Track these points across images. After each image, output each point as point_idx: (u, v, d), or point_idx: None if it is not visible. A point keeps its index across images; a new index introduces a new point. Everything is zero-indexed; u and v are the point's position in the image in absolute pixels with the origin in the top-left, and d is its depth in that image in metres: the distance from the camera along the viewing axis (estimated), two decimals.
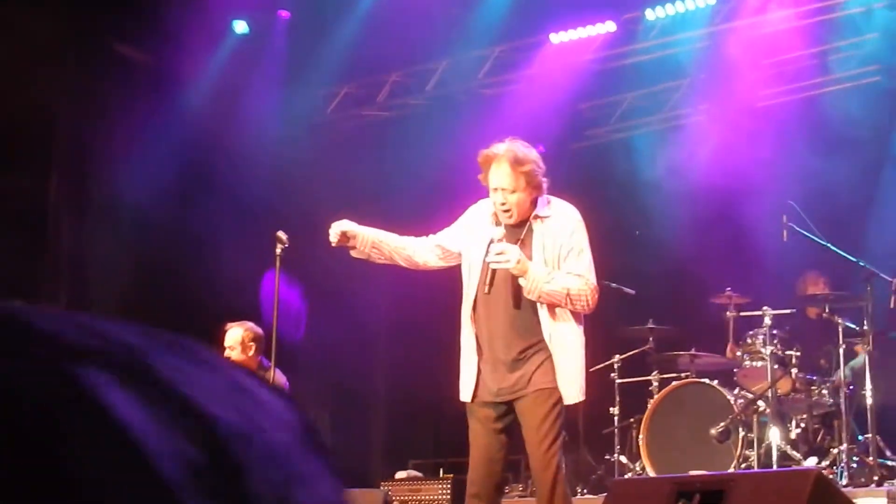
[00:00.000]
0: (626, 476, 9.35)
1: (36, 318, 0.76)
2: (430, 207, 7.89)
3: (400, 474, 10.37)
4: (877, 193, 10.97)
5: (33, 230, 10.92)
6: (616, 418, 9.83)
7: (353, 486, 9.28)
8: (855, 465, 8.35)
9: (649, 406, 9.28)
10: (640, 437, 9.19)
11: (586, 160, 12.46)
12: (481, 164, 5.76)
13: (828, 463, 8.49)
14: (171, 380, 0.76)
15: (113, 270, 11.03)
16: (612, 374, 9.88)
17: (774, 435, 8.68)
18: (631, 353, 10.03)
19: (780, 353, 9.01)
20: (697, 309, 10.06)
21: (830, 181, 10.44)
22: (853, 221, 10.53)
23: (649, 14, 11.46)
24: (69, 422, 0.70)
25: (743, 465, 8.66)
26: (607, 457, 9.88)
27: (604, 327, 8.61)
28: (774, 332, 9.03)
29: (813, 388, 9.06)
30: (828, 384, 9.01)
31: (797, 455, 8.72)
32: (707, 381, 9.15)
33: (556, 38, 11.81)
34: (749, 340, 9.22)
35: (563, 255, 5.67)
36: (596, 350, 8.29)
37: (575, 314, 5.70)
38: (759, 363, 9.07)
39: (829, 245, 8.74)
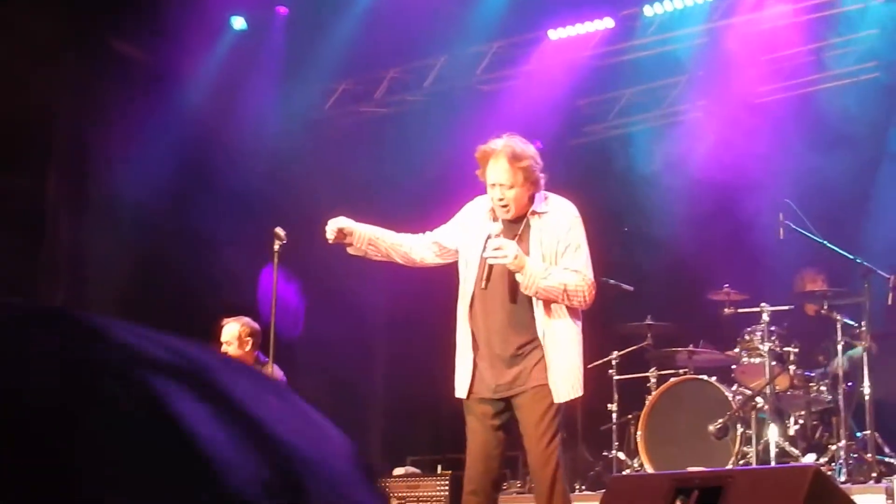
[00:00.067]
0: (624, 472, 9.35)
1: (112, 327, 0.77)
2: (428, 203, 7.90)
3: (398, 471, 10.37)
4: (874, 190, 10.97)
5: (32, 229, 10.92)
6: (614, 415, 9.83)
7: None
8: (853, 462, 8.34)
9: (647, 402, 9.28)
10: (639, 433, 9.19)
11: (584, 156, 12.46)
12: (479, 159, 5.76)
13: (826, 459, 8.48)
14: (242, 400, 0.77)
15: (111, 268, 11.03)
16: (611, 371, 9.88)
17: (772, 431, 8.69)
18: (629, 349, 10.03)
19: (778, 349, 9.01)
20: (696, 305, 10.06)
21: (828, 177, 10.44)
22: (851, 218, 10.53)
23: (647, 10, 11.45)
24: (138, 426, 0.70)
25: (741, 462, 8.66)
26: (605, 453, 9.88)
27: (602, 324, 8.61)
28: (773, 328, 9.03)
29: (811, 384, 9.06)
30: (826, 381, 9.01)
31: (795, 451, 8.72)
32: (705, 377, 9.16)
33: (555, 34, 11.81)
34: (747, 337, 9.22)
35: (560, 251, 5.67)
36: (594, 346, 8.27)
37: (572, 310, 5.70)
38: (758, 360, 9.07)
39: (825, 243, 8.74)
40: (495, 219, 5.75)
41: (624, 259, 10.47)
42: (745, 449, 8.75)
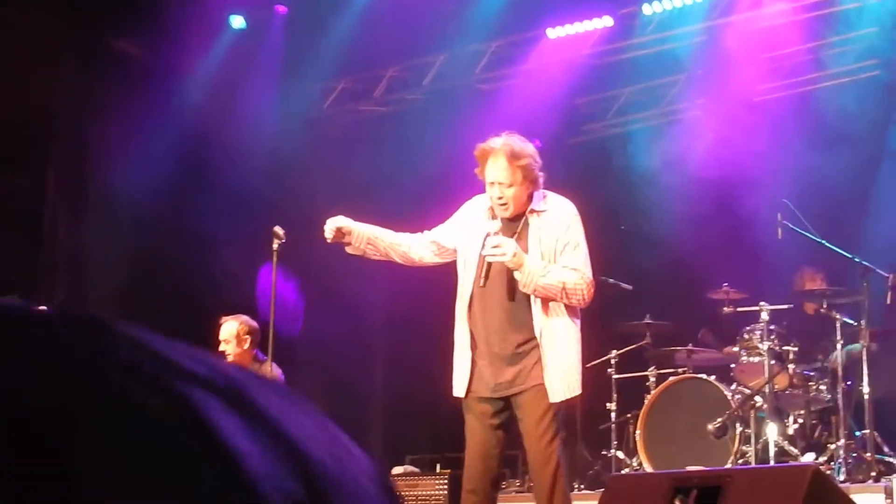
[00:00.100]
0: (623, 471, 9.35)
1: (152, 339, 0.78)
2: (427, 202, 7.90)
3: (397, 469, 10.37)
4: (874, 188, 10.97)
5: (32, 228, 10.92)
6: (613, 414, 9.82)
7: None
8: (852, 461, 8.33)
9: (646, 401, 9.28)
10: (637, 432, 9.19)
11: (583, 155, 12.46)
12: (478, 158, 5.76)
13: (825, 458, 8.48)
14: (273, 415, 0.78)
15: (110, 267, 11.03)
16: (609, 370, 9.87)
17: (772, 430, 8.68)
18: (628, 348, 10.02)
19: (777, 348, 9.01)
20: (695, 304, 10.06)
21: (827, 176, 10.44)
22: (850, 216, 10.53)
23: (646, 9, 11.45)
24: (176, 437, 0.71)
25: (740, 461, 8.66)
26: (604, 452, 9.87)
27: (601, 323, 8.61)
28: (772, 327, 9.02)
29: (810, 383, 9.05)
30: (825, 379, 9.00)
31: (794, 451, 8.72)
32: (704, 376, 9.15)
33: (553, 32, 11.80)
34: (746, 336, 9.22)
35: (559, 249, 5.67)
36: (593, 345, 8.27)
37: (570, 309, 5.69)
38: (757, 359, 9.06)
39: (823, 242, 8.73)
40: (494, 217, 5.75)
41: (623, 258, 10.47)
42: (744, 448, 8.74)
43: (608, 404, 9.85)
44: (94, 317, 0.79)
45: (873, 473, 8.02)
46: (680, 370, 9.57)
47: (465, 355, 5.77)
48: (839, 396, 8.53)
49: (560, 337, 5.65)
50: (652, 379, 9.64)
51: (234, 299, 9.29)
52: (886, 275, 8.51)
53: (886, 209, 10.48)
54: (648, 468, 8.93)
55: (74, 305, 10.76)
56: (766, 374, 8.82)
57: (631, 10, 11.59)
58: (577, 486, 9.37)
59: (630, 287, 10.05)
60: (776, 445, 8.65)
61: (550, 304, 5.63)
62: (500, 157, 5.64)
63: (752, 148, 11.12)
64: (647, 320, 9.99)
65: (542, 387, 5.59)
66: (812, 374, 9.09)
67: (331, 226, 5.89)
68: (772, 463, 8.45)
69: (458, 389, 5.79)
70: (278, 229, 7.53)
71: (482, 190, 5.83)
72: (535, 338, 5.62)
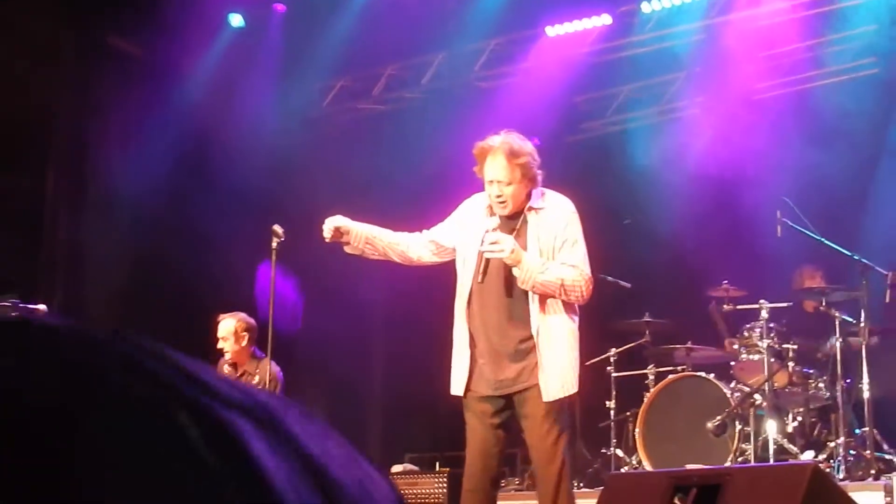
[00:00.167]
0: (622, 470, 9.35)
1: (187, 363, 0.79)
2: (425, 200, 7.89)
3: (396, 468, 10.37)
4: (873, 186, 10.96)
5: (31, 227, 10.92)
6: (612, 412, 9.82)
7: None
8: (852, 459, 8.33)
9: (645, 400, 9.27)
10: (637, 430, 9.18)
11: (582, 153, 12.45)
12: (477, 156, 5.76)
13: (825, 456, 8.47)
14: (300, 439, 0.79)
15: (110, 266, 11.03)
16: (609, 368, 9.87)
17: (771, 428, 8.68)
18: (627, 346, 10.02)
19: (776, 346, 9.00)
20: (694, 302, 10.05)
21: (826, 174, 10.43)
22: (849, 214, 10.52)
23: (645, 7, 11.46)
24: (224, 466, 0.72)
25: (739, 459, 8.65)
26: (603, 450, 9.87)
27: (600, 321, 8.60)
28: (771, 325, 9.01)
29: (810, 381, 9.05)
30: (824, 377, 9.00)
31: (794, 449, 8.71)
32: (703, 374, 9.15)
33: (552, 31, 11.81)
34: (746, 334, 9.21)
35: (557, 247, 5.68)
36: (592, 343, 8.28)
37: (568, 306, 5.69)
38: (756, 356, 9.06)
39: (823, 240, 8.73)
40: (492, 215, 5.75)
41: (622, 256, 10.46)
42: (743, 446, 8.74)
43: (607, 402, 9.85)
44: (122, 333, 0.80)
45: (873, 471, 8.02)
46: (679, 368, 9.57)
47: (464, 353, 5.77)
48: (839, 394, 8.53)
49: (557, 335, 5.64)
50: (651, 377, 9.64)
51: (233, 298, 9.29)
52: (886, 273, 8.51)
53: (885, 207, 10.47)
54: (648, 466, 8.92)
55: (74, 304, 10.76)
56: (766, 372, 8.82)
57: (630, 8, 11.59)
58: (576, 484, 9.37)
59: (629, 285, 10.05)
60: (775, 443, 8.65)
61: (548, 301, 5.63)
62: (499, 156, 5.65)
63: (751, 146, 11.12)
64: (647, 318, 9.99)
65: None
66: (811, 371, 9.08)
67: (329, 225, 5.89)
68: (771, 461, 8.44)
69: (457, 388, 5.78)
70: (277, 228, 7.54)
71: (481, 188, 5.83)
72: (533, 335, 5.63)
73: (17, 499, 0.67)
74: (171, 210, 11.03)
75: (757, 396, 8.83)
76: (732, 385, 9.12)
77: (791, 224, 8.67)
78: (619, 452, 9.68)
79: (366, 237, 5.93)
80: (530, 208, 5.74)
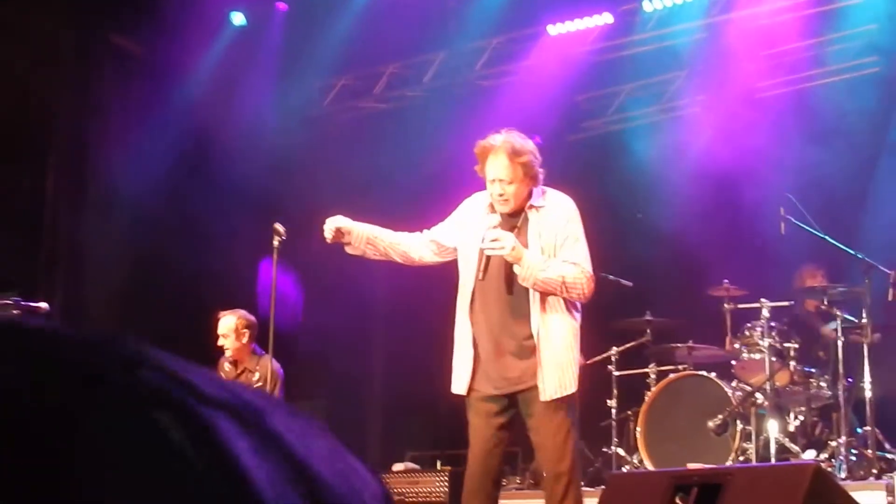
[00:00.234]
0: (623, 469, 9.34)
1: (172, 363, 0.79)
2: (427, 199, 7.89)
3: (397, 466, 10.37)
4: (874, 185, 10.96)
5: (31, 226, 10.92)
6: (613, 411, 9.81)
7: None
8: (854, 458, 8.33)
9: (647, 398, 9.27)
10: (638, 429, 9.18)
11: (583, 152, 12.45)
12: (478, 155, 5.75)
13: (826, 456, 8.46)
14: (285, 437, 0.80)
15: (111, 264, 11.03)
16: (610, 367, 9.86)
17: (772, 427, 8.67)
18: (628, 345, 10.01)
19: (778, 345, 8.99)
20: (695, 301, 10.05)
21: (827, 172, 10.44)
22: (850, 213, 10.52)
23: (646, 6, 11.46)
24: (207, 467, 0.72)
25: (741, 458, 8.64)
26: (605, 449, 9.86)
27: (601, 319, 8.59)
28: (772, 324, 9.00)
29: (811, 380, 9.04)
30: (826, 376, 8.99)
31: (795, 448, 8.71)
32: (705, 373, 9.14)
33: (554, 29, 11.81)
34: (747, 333, 9.20)
35: (558, 244, 5.67)
36: (593, 342, 8.28)
37: (570, 305, 5.68)
38: (757, 355, 9.05)
39: (827, 238, 8.73)
40: (493, 213, 5.75)
41: (623, 254, 10.46)
42: (744, 445, 8.73)
43: (608, 401, 9.84)
44: (105, 334, 0.80)
45: (874, 471, 8.01)
46: (680, 367, 9.56)
47: (467, 352, 5.75)
48: (840, 393, 8.52)
49: (557, 334, 5.63)
50: (652, 376, 9.63)
51: (233, 296, 9.30)
52: (889, 271, 8.50)
53: (885, 206, 10.47)
54: (649, 465, 8.92)
55: (74, 303, 10.76)
56: (767, 371, 8.81)
57: (631, 6, 11.60)
58: None
59: (630, 284, 10.04)
60: (777, 443, 8.64)
61: (549, 299, 5.62)
62: (501, 154, 5.64)
63: (752, 144, 11.12)
64: (648, 317, 9.98)
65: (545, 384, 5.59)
66: (813, 371, 9.07)
67: (330, 226, 5.88)
68: (773, 460, 8.43)
69: (459, 387, 5.76)
70: (279, 226, 7.54)
71: (482, 187, 5.83)
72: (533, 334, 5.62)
73: (17, 499, 0.67)
74: (171, 209, 11.03)
75: (758, 395, 8.82)
76: (734, 384, 9.11)
77: (795, 221, 8.66)
78: (620, 451, 9.67)
79: (367, 238, 5.92)
80: (531, 206, 5.73)
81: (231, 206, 11.22)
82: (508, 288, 5.66)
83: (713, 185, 10.95)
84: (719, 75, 11.64)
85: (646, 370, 9.73)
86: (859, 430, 8.64)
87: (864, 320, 8.47)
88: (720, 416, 8.64)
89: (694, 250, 10.75)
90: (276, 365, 8.29)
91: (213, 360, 8.63)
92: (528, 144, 5.72)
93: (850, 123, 10.79)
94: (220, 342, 8.58)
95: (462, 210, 5.98)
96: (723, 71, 11.58)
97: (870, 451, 8.21)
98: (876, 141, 11.04)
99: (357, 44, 11.91)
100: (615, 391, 9.85)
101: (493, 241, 5.55)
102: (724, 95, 11.68)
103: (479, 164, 5.76)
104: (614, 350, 9.90)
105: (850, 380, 8.66)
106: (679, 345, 9.67)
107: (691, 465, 7.89)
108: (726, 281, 9.40)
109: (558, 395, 5.59)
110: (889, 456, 8.42)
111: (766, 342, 8.89)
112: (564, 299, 5.63)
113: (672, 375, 9.33)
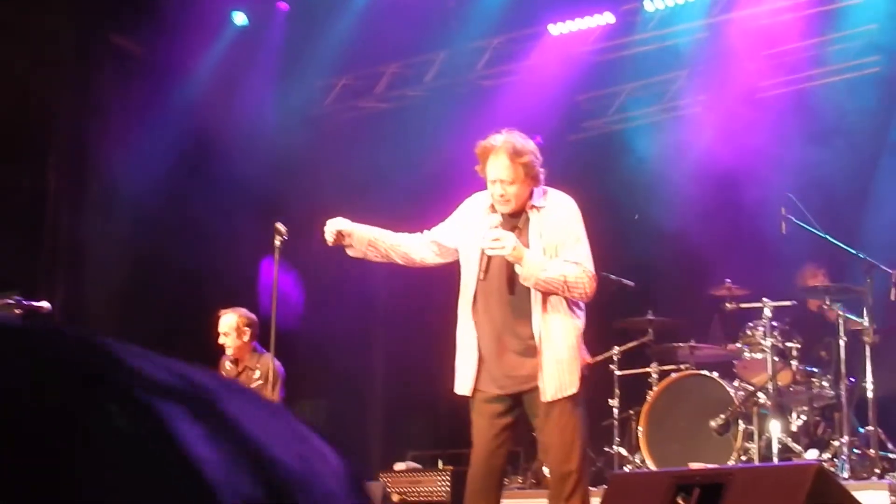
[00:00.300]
0: (625, 468, 9.34)
1: (126, 353, 0.78)
2: (428, 199, 7.89)
3: (399, 466, 10.38)
4: (874, 184, 10.96)
5: (32, 226, 10.92)
6: (615, 410, 9.81)
7: None
8: (856, 458, 8.32)
9: (648, 398, 9.27)
10: (640, 429, 9.18)
11: (584, 152, 12.45)
12: (479, 155, 5.74)
13: (829, 455, 8.46)
14: (240, 422, 0.79)
15: (111, 264, 11.03)
16: (612, 366, 9.86)
17: (775, 427, 8.67)
18: (630, 344, 10.01)
19: (780, 344, 8.98)
20: (697, 300, 10.05)
21: (828, 172, 10.44)
22: (851, 212, 10.53)
23: (647, 5, 11.46)
24: (137, 447, 0.71)
25: (743, 458, 8.64)
26: (606, 449, 9.86)
27: (603, 319, 8.59)
28: (774, 323, 9.00)
29: (813, 380, 9.04)
30: (828, 376, 8.99)
31: (797, 447, 8.70)
32: (707, 372, 9.13)
33: (555, 29, 11.81)
34: (749, 332, 9.20)
35: (560, 244, 5.65)
36: (595, 342, 8.25)
37: (572, 304, 5.67)
38: (759, 355, 9.04)
39: (828, 237, 8.72)
40: (494, 212, 5.74)
41: (624, 254, 10.46)
42: (746, 445, 8.73)
43: (610, 401, 9.83)
44: (62, 327, 0.79)
45: (877, 470, 8.01)
46: (682, 367, 9.56)
47: (470, 353, 5.74)
48: (842, 393, 8.51)
49: (558, 334, 5.61)
50: (654, 375, 9.63)
51: (234, 296, 9.29)
52: (890, 271, 8.50)
53: (886, 205, 10.47)
54: (651, 465, 8.92)
55: (75, 303, 10.76)
56: (769, 371, 8.80)
57: (632, 6, 11.60)
58: None
59: (632, 283, 10.03)
60: (779, 442, 8.63)
61: (551, 299, 5.60)
62: (502, 155, 5.63)
63: (753, 144, 11.12)
64: (650, 316, 9.97)
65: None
66: (815, 370, 9.07)
67: (331, 228, 5.87)
68: (775, 460, 8.43)
69: (463, 387, 5.75)
70: (280, 226, 7.55)
71: (483, 187, 5.82)
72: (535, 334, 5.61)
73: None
74: (171, 208, 11.03)
75: (760, 395, 8.82)
76: (736, 384, 9.11)
77: (796, 221, 8.66)
78: (622, 451, 9.67)
79: (368, 240, 5.91)
80: (532, 206, 5.72)
81: (232, 206, 11.22)
82: (510, 288, 5.65)
83: (714, 185, 10.96)
84: (720, 75, 11.64)
85: (648, 370, 9.73)
86: (862, 430, 8.64)
87: (866, 320, 8.46)
88: (722, 416, 8.64)
89: (695, 250, 10.75)
90: (277, 364, 8.29)
91: (214, 358, 8.64)
92: (528, 144, 5.71)
93: (851, 123, 10.80)
94: (221, 340, 8.60)
95: (463, 210, 5.97)
96: (724, 71, 11.58)
97: (872, 450, 8.21)
98: (877, 140, 11.05)
99: (358, 43, 11.91)
100: (617, 391, 9.85)
101: (493, 240, 5.54)
102: (725, 95, 11.68)
103: (479, 164, 5.75)
104: (616, 349, 9.89)
105: (852, 379, 8.65)
106: (681, 344, 9.67)
107: (693, 465, 7.90)
108: (728, 280, 9.40)
109: (559, 396, 5.57)
110: (892, 455, 8.42)
111: (768, 342, 8.88)
112: (566, 299, 5.62)
113: (674, 375, 9.33)
